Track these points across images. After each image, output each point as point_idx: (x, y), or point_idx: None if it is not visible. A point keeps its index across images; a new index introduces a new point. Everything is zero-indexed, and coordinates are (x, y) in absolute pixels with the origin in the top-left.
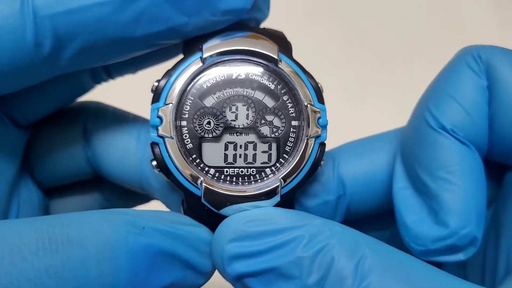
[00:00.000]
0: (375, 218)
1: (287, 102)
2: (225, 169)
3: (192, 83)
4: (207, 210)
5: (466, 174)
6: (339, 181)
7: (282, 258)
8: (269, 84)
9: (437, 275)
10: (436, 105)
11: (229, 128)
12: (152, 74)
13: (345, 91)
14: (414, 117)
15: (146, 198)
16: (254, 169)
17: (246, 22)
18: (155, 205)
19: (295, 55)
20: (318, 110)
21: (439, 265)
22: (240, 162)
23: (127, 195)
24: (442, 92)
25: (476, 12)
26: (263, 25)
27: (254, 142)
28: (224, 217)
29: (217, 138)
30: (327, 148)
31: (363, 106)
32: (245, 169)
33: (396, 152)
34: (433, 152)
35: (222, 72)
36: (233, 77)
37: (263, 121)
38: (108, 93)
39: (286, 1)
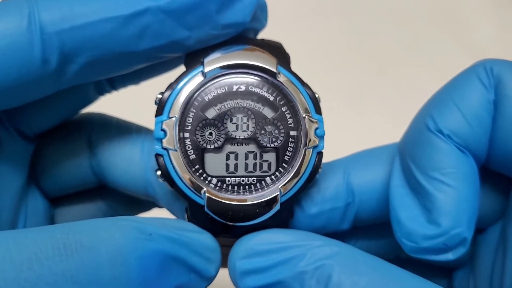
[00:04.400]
0: (383, 225)
1: (285, 113)
2: (226, 178)
3: (194, 96)
4: (210, 218)
5: (460, 177)
6: (349, 189)
7: (285, 273)
8: (269, 96)
9: None
10: (439, 109)
11: (230, 139)
12: (154, 84)
13: (343, 93)
14: (416, 118)
15: (148, 206)
16: (255, 178)
17: (245, 33)
18: (158, 213)
19: (294, 55)
20: (316, 121)
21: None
22: (241, 171)
23: (130, 203)
24: (447, 98)
25: (476, 13)
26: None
27: (254, 152)
28: (226, 224)
29: (218, 149)
30: (331, 154)
31: (363, 109)
32: (246, 178)
33: (396, 150)
34: (429, 153)
35: (223, 85)
36: (234, 89)
37: (262, 132)
38: (111, 102)
39: (286, 1)
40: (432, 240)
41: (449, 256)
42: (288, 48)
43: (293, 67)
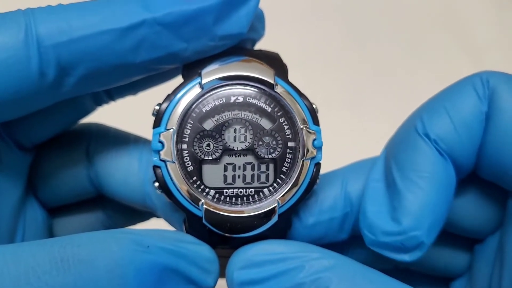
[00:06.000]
0: None
1: (283, 124)
2: (224, 190)
3: (192, 108)
4: (208, 230)
5: (434, 183)
6: (347, 199)
7: (283, 284)
8: (266, 107)
9: None
10: (429, 114)
11: (228, 150)
12: (153, 94)
13: (342, 95)
14: (407, 120)
15: (147, 216)
16: (253, 190)
17: (243, 44)
18: (156, 223)
19: (293, 57)
20: (314, 132)
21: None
22: (239, 182)
23: (129, 213)
24: (439, 104)
25: (476, 13)
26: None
27: (252, 163)
28: (224, 236)
29: (216, 160)
30: (329, 159)
31: (362, 113)
32: (244, 190)
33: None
34: (411, 155)
35: (220, 96)
36: (231, 100)
37: (260, 143)
38: (109, 113)
39: (285, 2)
40: (391, 237)
41: (405, 257)
42: (285, 52)
43: (291, 71)
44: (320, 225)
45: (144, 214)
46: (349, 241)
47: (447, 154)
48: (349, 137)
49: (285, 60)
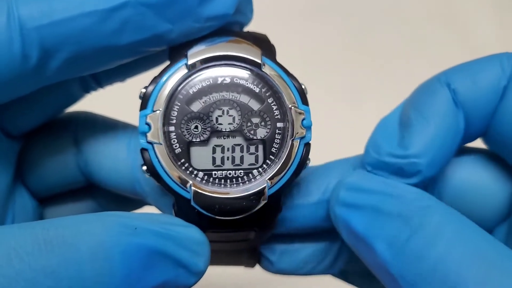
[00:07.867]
0: None
1: (271, 104)
2: (213, 172)
3: (179, 89)
4: (197, 212)
5: (444, 124)
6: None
7: (388, 202)
8: (254, 88)
9: None
10: (454, 70)
11: (216, 132)
12: (142, 80)
13: (343, 93)
14: (433, 76)
15: (138, 204)
16: (242, 171)
17: (230, 26)
18: (148, 210)
19: (293, 55)
20: (302, 111)
21: None
22: (228, 164)
23: (120, 201)
24: (466, 66)
25: (476, 12)
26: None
27: (241, 144)
28: (213, 219)
29: (204, 142)
30: (331, 151)
31: (361, 108)
32: (233, 171)
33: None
34: (428, 98)
35: (207, 77)
36: (219, 81)
37: (249, 124)
38: (98, 100)
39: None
40: (394, 159)
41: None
42: (286, 50)
43: (292, 69)
44: (317, 205)
45: (136, 202)
46: None
47: (461, 105)
48: (349, 132)
49: (286, 58)
